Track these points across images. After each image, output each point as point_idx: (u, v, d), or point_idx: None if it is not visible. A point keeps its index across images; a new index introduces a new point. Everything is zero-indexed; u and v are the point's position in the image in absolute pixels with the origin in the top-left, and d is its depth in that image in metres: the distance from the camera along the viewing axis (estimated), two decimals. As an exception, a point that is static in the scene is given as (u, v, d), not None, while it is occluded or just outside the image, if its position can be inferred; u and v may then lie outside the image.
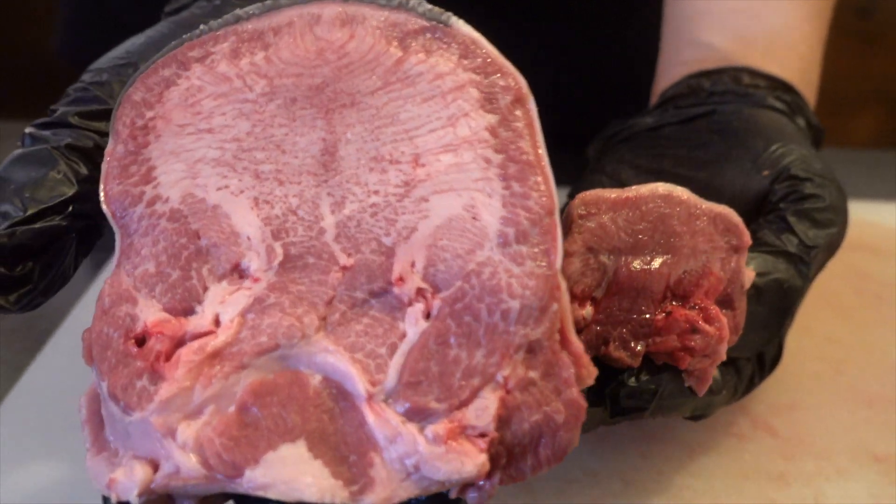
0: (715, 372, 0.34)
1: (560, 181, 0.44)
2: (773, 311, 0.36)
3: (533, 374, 0.26)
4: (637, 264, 0.32)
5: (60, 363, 0.43)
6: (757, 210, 0.39)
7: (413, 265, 0.27)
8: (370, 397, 0.26)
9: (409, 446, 0.25)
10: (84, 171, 0.28)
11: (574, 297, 0.31)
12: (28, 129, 0.30)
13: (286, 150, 0.27)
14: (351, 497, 0.25)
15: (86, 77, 0.31)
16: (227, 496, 0.26)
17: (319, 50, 0.28)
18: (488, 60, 0.28)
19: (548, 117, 0.68)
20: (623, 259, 0.32)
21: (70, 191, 0.28)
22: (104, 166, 0.28)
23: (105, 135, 0.29)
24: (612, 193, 0.33)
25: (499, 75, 0.28)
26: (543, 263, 0.27)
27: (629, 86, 0.54)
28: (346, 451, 0.25)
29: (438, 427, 0.25)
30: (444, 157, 0.27)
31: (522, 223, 0.27)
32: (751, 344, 0.36)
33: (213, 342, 0.26)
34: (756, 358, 0.38)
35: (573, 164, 0.45)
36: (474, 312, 0.26)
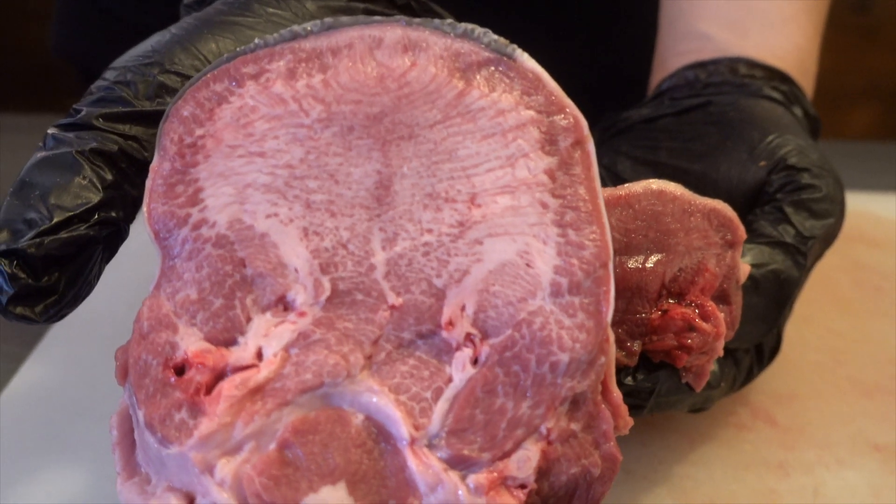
0: (713, 366, 0.34)
1: None
2: (770, 301, 0.36)
3: (575, 427, 0.26)
4: (632, 264, 0.32)
5: (59, 355, 0.43)
6: (754, 201, 0.39)
7: (463, 309, 0.26)
8: (413, 441, 0.25)
9: (451, 495, 0.25)
10: (109, 176, 0.27)
11: None
12: (51, 130, 0.28)
13: (340, 180, 0.27)
14: (390, 545, 0.24)
15: (109, 75, 0.29)
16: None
17: (380, 77, 0.27)
18: (552, 98, 0.27)
19: None
20: (617, 259, 0.31)
21: (96, 198, 0.27)
22: (149, 183, 0.27)
23: (130, 138, 0.28)
24: (605, 193, 0.32)
25: (561, 116, 0.27)
26: (594, 316, 0.26)
27: (627, 78, 0.54)
28: (386, 496, 0.25)
29: (480, 477, 0.25)
30: (500, 198, 0.27)
31: (576, 274, 0.26)
32: (749, 336, 0.36)
33: (256, 377, 0.25)
34: (754, 349, 0.38)
35: None
36: (523, 362, 0.26)
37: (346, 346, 0.26)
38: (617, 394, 0.27)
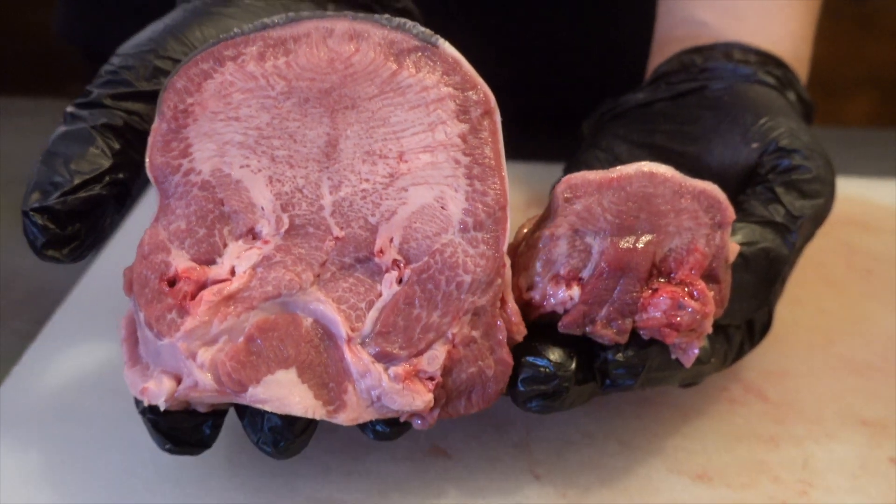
0: (703, 342, 0.35)
1: (558, 160, 0.46)
2: (760, 279, 0.37)
3: (475, 334, 0.34)
4: (623, 244, 0.33)
5: (69, 331, 0.45)
6: (746, 182, 0.40)
7: (391, 241, 0.34)
8: (349, 340, 0.33)
9: (376, 381, 0.33)
10: (117, 146, 0.34)
11: (561, 279, 0.33)
12: (69, 109, 0.35)
13: (297, 140, 0.34)
14: (327, 414, 0.32)
15: (115, 61, 0.36)
16: (232, 406, 0.33)
17: (330, 59, 0.34)
18: (466, 78, 0.35)
19: (545, 99, 0.69)
20: (609, 240, 0.33)
21: (107, 163, 0.34)
22: (150, 140, 0.34)
23: (133, 113, 0.35)
24: (597, 175, 0.33)
25: (473, 91, 0.35)
26: (493, 248, 0.34)
27: (626, 66, 0.55)
28: (327, 380, 0.33)
29: (399, 369, 0.33)
30: (423, 156, 0.34)
31: (480, 215, 0.34)
32: (739, 312, 0.36)
33: (229, 287, 0.33)
34: (746, 325, 0.38)
35: (571, 145, 0.48)
36: (436, 282, 0.33)
37: (299, 266, 0.33)
38: (514, 307, 0.34)
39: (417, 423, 0.34)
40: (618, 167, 0.33)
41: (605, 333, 0.34)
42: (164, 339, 0.32)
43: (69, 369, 0.41)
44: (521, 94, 0.62)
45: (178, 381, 0.32)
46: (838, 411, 0.42)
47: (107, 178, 0.34)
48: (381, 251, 0.34)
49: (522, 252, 0.35)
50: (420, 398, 0.33)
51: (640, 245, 0.33)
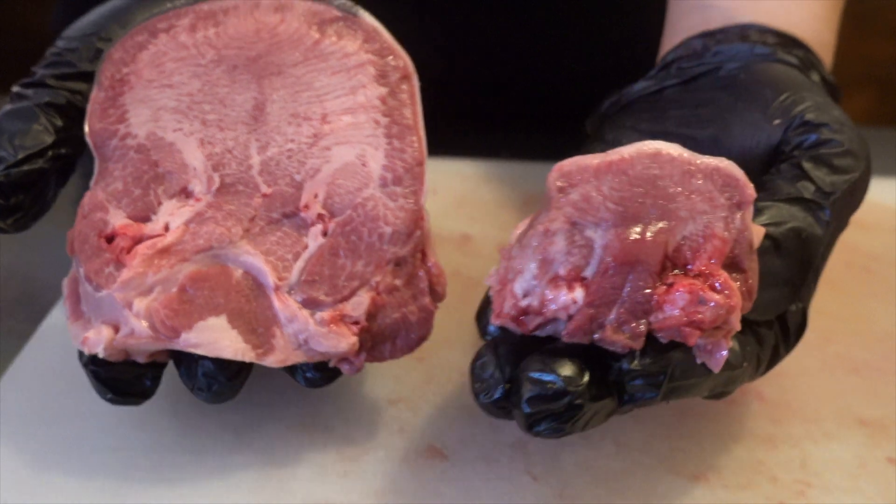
0: (732, 343, 0.31)
1: (557, 159, 0.37)
2: (792, 263, 0.33)
3: (398, 282, 0.36)
4: (630, 235, 0.29)
5: (63, 332, 0.41)
6: (770, 164, 0.36)
7: (316, 196, 0.36)
8: (277, 288, 0.35)
9: (302, 325, 0.35)
10: (59, 123, 0.36)
11: (561, 280, 0.29)
12: (14, 89, 0.38)
13: (227, 104, 0.37)
14: (257, 357, 0.34)
15: (60, 44, 0.39)
16: (168, 352, 0.36)
17: (257, 30, 0.37)
18: (385, 45, 0.37)
19: (544, 96, 0.67)
20: (613, 231, 0.29)
21: (49, 139, 0.36)
22: (89, 108, 0.36)
23: (75, 92, 0.37)
24: (595, 159, 0.30)
25: (391, 57, 0.37)
26: (411, 200, 0.36)
27: (629, 62, 0.51)
28: (256, 325, 0.35)
29: (325, 314, 0.35)
30: (345, 117, 0.37)
31: (398, 170, 0.36)
32: (771, 304, 0.33)
33: (163, 241, 0.35)
34: (779, 325, 0.34)
35: (570, 143, 0.44)
36: (359, 234, 0.36)
37: (229, 221, 0.36)
38: (435, 262, 0.37)
39: (346, 368, 0.36)
40: (616, 149, 0.30)
41: (616, 339, 0.29)
42: (103, 290, 0.34)
43: (64, 369, 0.41)
44: (520, 92, 0.63)
45: (117, 330, 0.34)
46: (836, 411, 0.41)
47: (49, 153, 0.36)
48: (307, 206, 0.36)
49: (516, 254, 0.31)
50: (345, 340, 0.35)
51: (648, 234, 0.29)
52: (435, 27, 0.58)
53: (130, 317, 0.34)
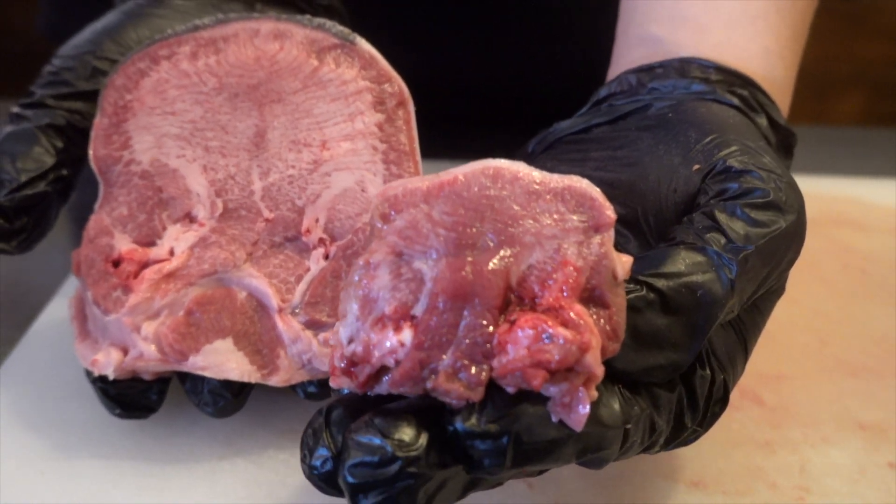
0: (604, 397, 0.26)
1: None
2: (681, 324, 0.28)
3: (397, 302, 0.38)
4: (462, 265, 0.25)
5: (49, 338, 0.44)
6: (686, 214, 0.32)
7: (317, 221, 0.38)
8: (280, 310, 0.36)
9: (306, 346, 0.36)
10: (60, 144, 0.37)
11: (386, 321, 0.25)
12: (14, 110, 0.38)
13: (229, 131, 0.38)
14: (262, 377, 0.36)
15: (56, 62, 0.39)
16: (175, 373, 0.37)
17: (257, 57, 0.38)
18: (382, 72, 0.38)
19: (523, 100, 0.67)
20: (444, 261, 0.25)
21: (51, 161, 0.37)
22: (93, 133, 0.37)
23: (74, 112, 0.38)
24: (425, 181, 0.27)
25: (388, 84, 0.38)
26: (409, 225, 0.37)
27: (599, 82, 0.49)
28: (261, 346, 0.36)
29: (327, 334, 0.36)
30: (344, 143, 0.38)
31: (396, 195, 0.38)
32: (654, 368, 0.28)
33: (169, 266, 0.36)
34: (685, 390, 0.30)
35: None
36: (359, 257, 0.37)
37: (233, 246, 0.37)
38: None
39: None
40: (450, 169, 0.27)
41: (450, 388, 0.24)
42: (111, 314, 0.36)
43: (50, 376, 0.41)
44: (499, 96, 0.63)
45: (125, 352, 0.36)
46: (835, 415, 0.41)
47: (51, 175, 0.37)
48: (308, 230, 0.37)
49: (342, 295, 0.28)
50: (346, 361, 0.36)
51: (487, 264, 0.25)
52: (413, 38, 0.58)
53: (139, 340, 0.35)
